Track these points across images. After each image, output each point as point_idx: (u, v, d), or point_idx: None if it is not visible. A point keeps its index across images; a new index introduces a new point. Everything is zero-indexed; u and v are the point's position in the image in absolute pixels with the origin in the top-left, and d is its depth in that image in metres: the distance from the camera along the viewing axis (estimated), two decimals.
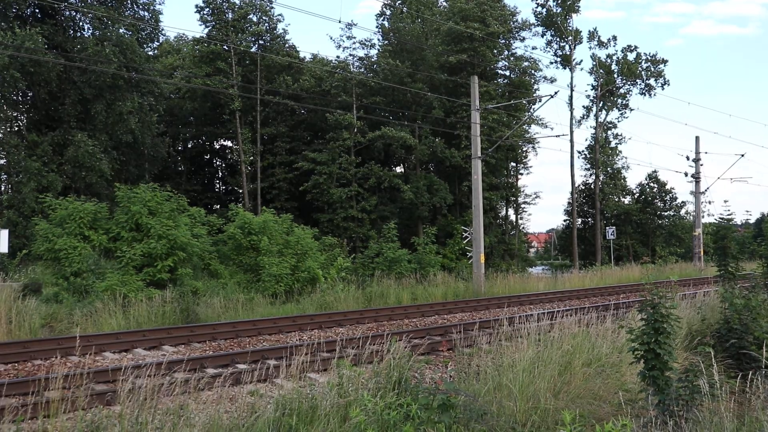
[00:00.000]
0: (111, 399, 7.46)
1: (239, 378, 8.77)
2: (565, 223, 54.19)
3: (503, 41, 42.84)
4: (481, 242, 25.43)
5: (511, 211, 49.31)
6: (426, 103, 39.53)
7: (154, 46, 37.20)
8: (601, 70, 48.78)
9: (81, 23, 30.91)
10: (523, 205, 49.50)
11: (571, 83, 47.74)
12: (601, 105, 49.72)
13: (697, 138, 41.36)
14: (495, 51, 42.12)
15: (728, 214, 15.27)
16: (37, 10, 29.65)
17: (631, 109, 52.04)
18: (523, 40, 50.84)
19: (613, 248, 45.85)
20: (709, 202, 37.85)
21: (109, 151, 30.26)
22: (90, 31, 30.58)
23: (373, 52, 42.46)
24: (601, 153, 49.94)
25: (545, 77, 56.03)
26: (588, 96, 49.79)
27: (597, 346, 8.83)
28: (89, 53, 27.48)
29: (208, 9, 38.66)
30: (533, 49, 74.45)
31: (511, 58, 44.58)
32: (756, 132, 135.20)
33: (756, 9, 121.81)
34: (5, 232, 17.83)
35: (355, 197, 38.59)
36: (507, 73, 45.12)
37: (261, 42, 40.82)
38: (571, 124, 47.54)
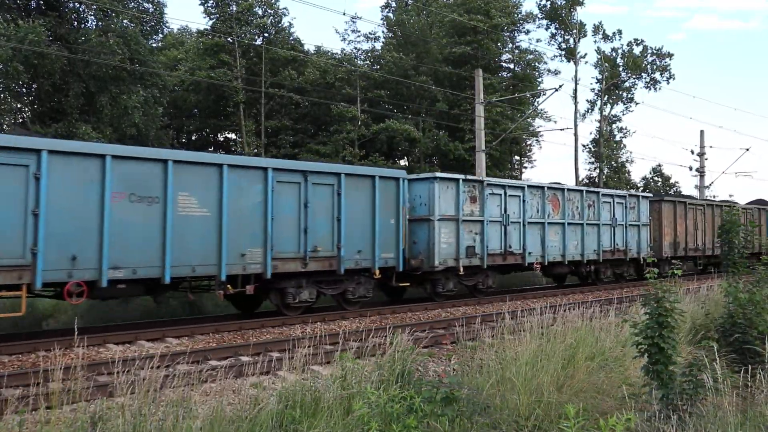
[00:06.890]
0: (114, 390, 7.47)
1: (242, 370, 8.78)
2: None
3: (507, 34, 42.68)
4: None
5: None
6: (430, 95, 39.42)
7: (158, 38, 37.08)
8: (605, 64, 48.57)
9: (84, 15, 30.83)
10: None
11: (576, 77, 47.60)
12: (605, 99, 49.54)
13: (701, 132, 41.51)
14: (499, 44, 41.96)
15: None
16: (41, 1, 29.58)
17: (636, 103, 51.76)
18: (527, 32, 50.57)
19: None
20: (714, 197, 37.69)
21: (113, 144, 30.13)
22: (93, 23, 30.50)
23: (378, 45, 42.37)
24: (606, 147, 49.77)
25: (549, 70, 55.86)
26: (593, 89, 49.62)
27: (600, 339, 8.82)
28: (93, 44, 27.42)
29: (212, 1, 38.56)
30: (537, 41, 74.08)
31: (515, 51, 44.43)
32: (761, 126, 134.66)
33: (760, 3, 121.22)
34: None
35: None
36: (511, 66, 44.97)
37: (266, 35, 40.70)
38: (576, 118, 47.41)
